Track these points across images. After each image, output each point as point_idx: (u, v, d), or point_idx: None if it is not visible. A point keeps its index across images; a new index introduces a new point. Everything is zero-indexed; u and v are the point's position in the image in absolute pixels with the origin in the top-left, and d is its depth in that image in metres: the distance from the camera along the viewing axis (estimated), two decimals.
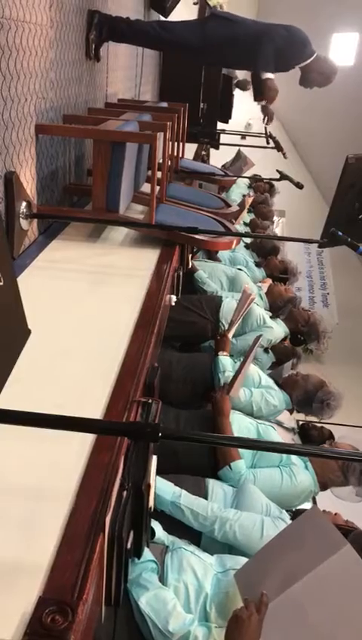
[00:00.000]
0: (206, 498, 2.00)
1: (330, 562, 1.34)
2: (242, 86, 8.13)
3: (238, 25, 3.59)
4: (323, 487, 2.23)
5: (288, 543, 1.50)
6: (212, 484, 2.09)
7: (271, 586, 1.40)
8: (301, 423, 2.95)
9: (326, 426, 2.90)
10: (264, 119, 4.43)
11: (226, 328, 3.08)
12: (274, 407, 2.71)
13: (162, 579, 1.60)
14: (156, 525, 1.74)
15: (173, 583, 1.59)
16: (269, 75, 3.60)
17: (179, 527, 1.87)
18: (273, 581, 1.41)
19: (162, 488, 1.89)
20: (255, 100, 4.15)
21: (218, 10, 5.62)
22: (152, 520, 1.69)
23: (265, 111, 4.30)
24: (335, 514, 1.97)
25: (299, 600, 1.36)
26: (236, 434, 2.32)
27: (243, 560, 1.68)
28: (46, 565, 1.14)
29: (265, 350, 3.33)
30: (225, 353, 2.83)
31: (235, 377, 2.51)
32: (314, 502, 2.91)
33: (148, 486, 1.42)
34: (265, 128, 5.92)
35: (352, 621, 1.35)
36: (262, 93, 3.85)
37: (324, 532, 1.43)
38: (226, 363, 2.75)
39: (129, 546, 1.37)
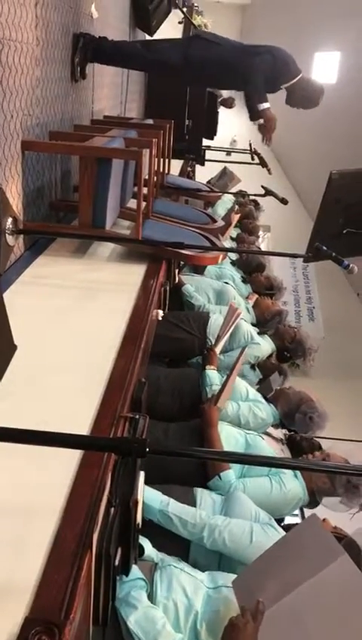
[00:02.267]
0: (194, 507, 1.99)
1: (327, 571, 1.33)
2: (227, 104, 8.22)
3: (222, 47, 3.61)
4: (312, 495, 2.24)
5: (286, 551, 1.50)
6: (200, 493, 2.08)
7: (267, 594, 1.39)
8: (288, 434, 2.95)
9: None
10: (263, 139, 4.43)
11: (213, 344, 3.08)
12: (262, 420, 2.71)
13: (151, 597, 1.58)
14: (145, 542, 1.72)
15: (163, 602, 1.57)
16: (266, 105, 3.62)
17: (167, 543, 1.86)
18: (270, 589, 1.40)
19: (150, 497, 1.88)
20: (251, 119, 4.14)
21: (202, 31, 5.68)
22: (141, 537, 1.67)
23: (264, 131, 4.29)
24: (324, 520, 1.97)
25: (296, 608, 1.35)
26: (224, 444, 2.32)
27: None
28: (32, 584, 1.13)
29: (252, 367, 3.34)
30: (212, 367, 2.83)
31: (222, 388, 2.51)
32: (302, 512, 2.90)
33: (136, 502, 1.41)
34: (250, 145, 5.99)
35: (349, 630, 1.35)
36: (258, 118, 3.85)
37: (322, 540, 1.43)
38: (213, 377, 2.75)
39: (117, 563, 1.35)
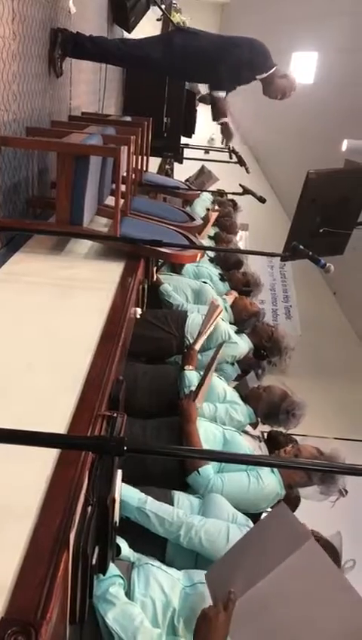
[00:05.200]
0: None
1: (294, 557, 1.36)
2: (205, 100, 8.21)
3: (203, 38, 3.65)
4: (289, 489, 2.27)
5: (255, 541, 1.52)
6: (178, 495, 2.09)
7: (238, 584, 1.41)
8: (266, 433, 2.97)
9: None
10: (222, 141, 4.49)
11: (193, 342, 3.09)
12: (238, 422, 2.72)
13: (129, 594, 1.58)
14: (122, 542, 1.72)
15: (140, 598, 1.58)
16: (221, 94, 3.73)
17: (144, 543, 1.86)
18: (241, 579, 1.42)
19: (128, 495, 1.88)
20: (213, 120, 4.21)
21: (182, 26, 5.68)
22: (118, 537, 1.67)
23: (225, 131, 4.35)
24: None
25: (266, 596, 1.37)
26: (203, 440, 2.33)
27: None
28: (8, 584, 1.12)
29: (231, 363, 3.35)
30: (191, 367, 2.83)
31: (200, 386, 2.52)
32: None
33: (114, 500, 1.41)
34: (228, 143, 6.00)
35: (318, 613, 1.37)
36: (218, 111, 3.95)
37: (289, 527, 1.45)
38: (192, 377, 2.75)
39: (94, 561, 1.35)
